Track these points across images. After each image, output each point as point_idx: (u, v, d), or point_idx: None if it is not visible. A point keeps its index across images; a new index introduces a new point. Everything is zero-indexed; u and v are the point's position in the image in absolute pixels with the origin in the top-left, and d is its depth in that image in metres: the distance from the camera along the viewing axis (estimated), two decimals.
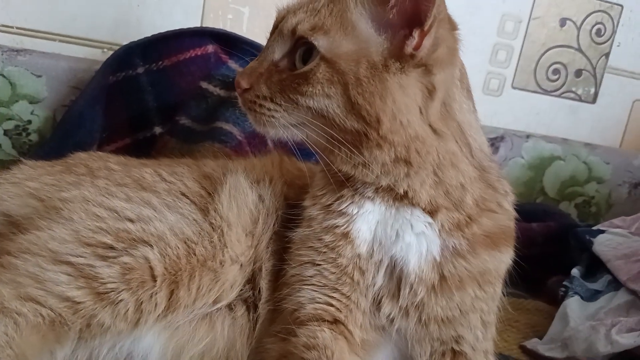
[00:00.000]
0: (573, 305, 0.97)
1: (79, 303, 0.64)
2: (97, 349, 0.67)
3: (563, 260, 1.17)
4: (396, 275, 0.70)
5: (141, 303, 0.66)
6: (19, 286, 0.63)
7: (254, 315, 0.74)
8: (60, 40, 1.32)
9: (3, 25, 1.28)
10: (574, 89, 1.66)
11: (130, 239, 0.69)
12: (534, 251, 1.21)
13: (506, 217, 0.73)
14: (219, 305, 0.72)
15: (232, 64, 1.29)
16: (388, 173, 0.67)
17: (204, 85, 1.24)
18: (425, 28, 0.62)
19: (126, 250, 0.67)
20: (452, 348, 0.71)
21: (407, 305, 0.69)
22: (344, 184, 0.70)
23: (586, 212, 1.62)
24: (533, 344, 0.95)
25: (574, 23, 1.61)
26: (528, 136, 1.56)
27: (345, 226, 0.70)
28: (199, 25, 1.38)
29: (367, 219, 0.70)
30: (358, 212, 0.70)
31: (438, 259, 0.69)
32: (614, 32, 1.64)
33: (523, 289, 1.15)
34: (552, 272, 1.16)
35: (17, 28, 1.29)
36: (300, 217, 0.74)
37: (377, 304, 0.70)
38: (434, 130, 0.67)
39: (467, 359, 0.72)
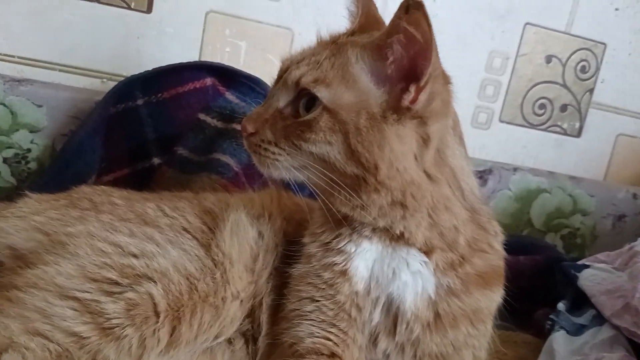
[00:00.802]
0: (559, 339, 0.99)
1: (85, 338, 0.65)
2: None
3: (550, 293, 1.20)
4: (392, 313, 0.72)
5: (145, 339, 0.68)
6: (27, 321, 0.65)
7: (252, 348, 0.76)
8: (60, 70, 1.34)
9: (5, 55, 1.31)
10: (559, 123, 1.71)
11: (134, 275, 0.71)
12: (521, 284, 1.23)
13: (497, 257, 0.77)
14: (219, 340, 0.74)
15: (230, 96, 1.32)
16: (385, 215, 0.70)
17: (202, 117, 1.27)
18: (421, 84, 0.66)
19: (131, 286, 0.69)
20: None
21: (403, 342, 0.72)
22: (342, 223, 0.73)
23: (572, 244, 1.66)
24: None
25: (560, 60, 1.66)
26: (515, 169, 1.60)
27: (343, 264, 0.73)
28: (197, 57, 1.41)
29: (364, 257, 0.73)
30: (356, 250, 0.73)
31: (433, 297, 0.72)
32: (597, 69, 1.69)
33: (511, 321, 1.17)
34: (539, 304, 1.19)
35: (19, 57, 1.32)
36: (299, 253, 0.77)
37: (373, 339, 0.73)
38: (429, 176, 0.70)
39: None
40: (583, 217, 1.65)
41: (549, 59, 1.66)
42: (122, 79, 1.30)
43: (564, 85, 1.68)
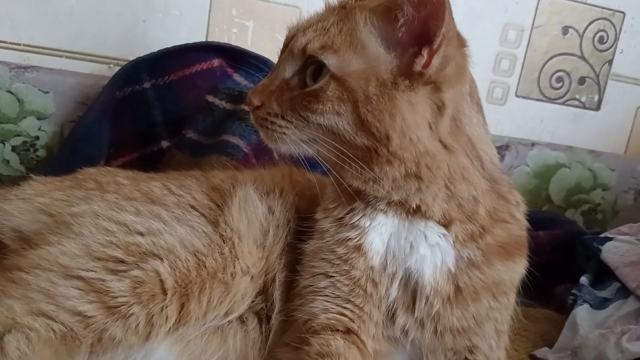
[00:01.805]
0: (582, 313, 0.96)
1: (90, 317, 0.64)
2: None
3: (571, 267, 1.17)
4: (411, 288, 0.70)
5: (152, 316, 0.66)
6: (30, 301, 0.63)
7: (266, 327, 0.74)
8: (67, 57, 1.33)
9: (11, 43, 1.29)
10: (577, 97, 1.66)
11: (140, 253, 0.69)
12: (541, 259, 1.20)
13: (518, 227, 0.74)
14: (230, 318, 0.73)
15: (238, 77, 1.30)
16: (399, 188, 0.67)
17: (210, 98, 1.25)
18: (434, 47, 0.63)
19: (136, 264, 0.68)
20: (466, 357, 0.72)
21: (422, 317, 0.70)
22: (355, 197, 0.70)
23: (592, 220, 1.62)
24: (543, 353, 0.95)
25: (577, 31, 1.61)
26: (533, 144, 1.56)
27: (357, 239, 0.70)
28: (204, 39, 1.39)
29: (379, 232, 0.70)
30: (370, 224, 0.70)
31: (453, 270, 0.69)
32: (616, 39, 1.64)
33: (532, 297, 1.15)
34: (560, 280, 1.16)
35: (25, 45, 1.31)
36: (312, 229, 0.75)
37: (391, 315, 0.70)
38: (444, 145, 0.67)
39: None
40: (604, 192, 1.61)
41: (565, 30, 1.61)
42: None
43: (582, 57, 1.64)
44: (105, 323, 0.64)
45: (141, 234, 0.71)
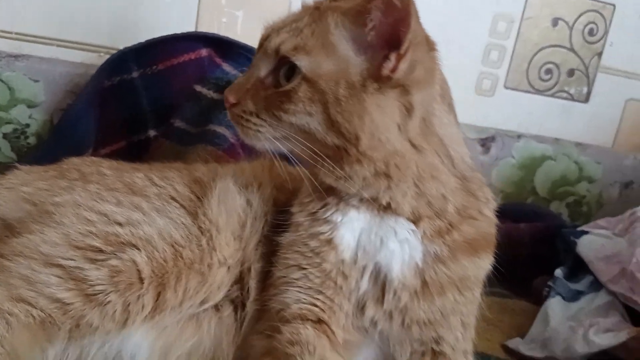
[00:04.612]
0: (554, 305, 0.99)
1: (68, 304, 0.66)
2: (87, 348, 0.69)
3: (551, 260, 1.19)
4: (380, 281, 0.72)
5: (128, 304, 0.69)
6: (11, 288, 0.65)
7: (241, 314, 0.77)
8: (58, 45, 1.34)
9: (2, 31, 1.31)
10: (566, 89, 1.67)
11: (118, 243, 0.71)
12: (521, 251, 1.23)
13: (487, 223, 0.76)
14: (206, 306, 0.75)
15: (227, 67, 1.31)
16: (369, 186, 0.69)
17: (198, 88, 1.26)
18: (401, 52, 0.65)
19: (114, 254, 0.70)
20: (432, 348, 0.74)
21: (391, 309, 0.72)
22: (329, 193, 0.72)
23: (577, 212, 1.64)
24: (515, 343, 0.97)
25: (566, 23, 1.62)
26: (519, 136, 1.58)
27: (329, 233, 0.72)
28: (193, 28, 1.40)
29: (351, 227, 0.72)
30: (342, 219, 0.72)
31: (420, 265, 0.71)
32: (606, 31, 1.65)
33: (510, 288, 1.18)
34: (539, 272, 1.18)
35: (16, 33, 1.32)
36: (288, 222, 0.77)
37: (361, 307, 0.73)
38: (414, 145, 0.69)
39: (446, 359, 0.74)
40: (589, 184, 1.63)
41: (555, 22, 1.62)
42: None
43: (571, 49, 1.65)
44: (83, 310, 0.67)
45: (120, 224, 0.73)
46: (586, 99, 1.69)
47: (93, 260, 0.69)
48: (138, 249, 0.71)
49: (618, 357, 0.88)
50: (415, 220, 0.71)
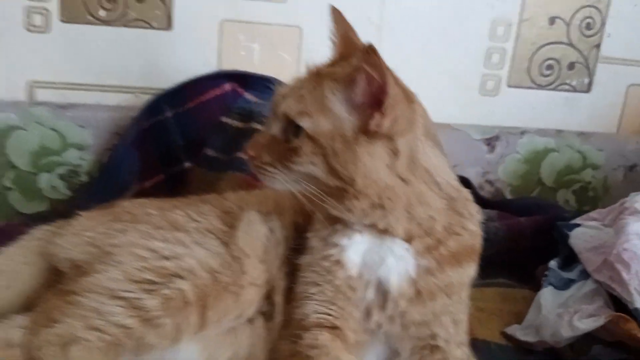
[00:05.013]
0: (546, 294, 1.10)
1: (131, 329, 0.82)
2: None
3: (551, 250, 1.29)
4: (382, 291, 0.86)
5: (179, 324, 0.84)
6: (85, 319, 0.82)
7: (270, 324, 0.92)
8: (97, 90, 1.52)
9: (48, 82, 1.49)
10: (568, 81, 1.76)
11: (167, 274, 0.87)
12: (523, 243, 1.35)
13: (470, 237, 0.88)
14: (241, 320, 0.91)
15: (248, 96, 1.47)
16: (367, 216, 0.83)
17: (224, 119, 1.43)
18: (383, 112, 0.78)
19: (165, 284, 0.86)
20: (429, 343, 0.88)
21: (392, 314, 0.86)
22: (336, 221, 0.87)
23: (584, 198, 1.73)
24: (512, 329, 1.09)
25: (563, 20, 1.71)
26: (522, 132, 1.68)
27: (338, 255, 0.87)
28: (216, 63, 1.56)
29: (356, 248, 0.86)
30: (348, 243, 0.86)
31: (414, 276, 0.85)
32: (603, 24, 1.73)
33: (513, 278, 1.30)
34: (540, 261, 1.28)
35: (60, 83, 1.50)
36: (305, 245, 0.92)
37: (367, 313, 0.87)
38: (402, 179, 0.82)
39: (441, 351, 0.88)
40: (594, 171, 1.71)
41: (552, 21, 1.70)
42: (152, 90, 1.48)
43: (570, 44, 1.73)
44: (143, 332, 0.83)
45: (167, 258, 0.89)
46: (588, 89, 1.77)
47: (148, 291, 0.85)
48: (183, 278, 0.87)
49: (602, 339, 1.00)
50: (409, 240, 0.85)
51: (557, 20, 1.71)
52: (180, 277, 0.87)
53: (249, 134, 1.39)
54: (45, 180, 1.44)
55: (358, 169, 0.80)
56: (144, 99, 1.53)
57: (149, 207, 1.01)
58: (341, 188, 0.82)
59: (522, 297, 1.21)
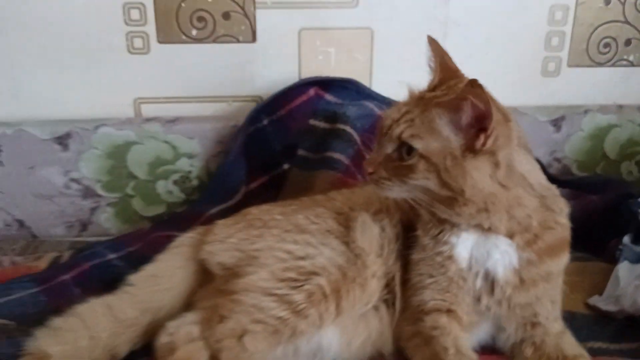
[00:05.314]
0: (623, 268, 1.21)
1: (285, 319, 1.00)
2: (299, 344, 1.03)
3: (620, 224, 1.39)
4: (490, 280, 1.01)
5: (321, 314, 1.02)
6: (249, 314, 1.00)
7: (392, 310, 1.09)
8: (196, 101, 1.70)
9: (155, 98, 1.68)
10: (625, 57, 1.84)
11: (306, 272, 1.04)
12: (594, 219, 1.47)
13: (562, 229, 1.02)
14: (368, 307, 1.08)
15: (329, 97, 1.64)
16: (474, 218, 0.98)
17: (312, 122, 1.59)
18: (488, 133, 0.91)
19: (306, 281, 1.03)
20: (531, 320, 1.04)
21: (500, 298, 1.01)
22: (444, 221, 1.02)
23: None
24: (594, 300, 1.20)
25: (619, 0, 1.79)
26: (586, 111, 1.78)
27: (449, 251, 1.02)
28: (297, 69, 1.71)
29: (465, 245, 1.01)
30: (457, 240, 1.01)
31: (517, 267, 1.00)
32: None
33: (588, 252, 1.40)
34: (612, 235, 1.39)
35: (164, 97, 1.68)
36: (415, 241, 1.07)
37: (477, 298, 1.03)
38: (502, 186, 0.95)
39: (542, 326, 1.04)
40: None
41: (607, 1, 1.78)
42: (243, 98, 1.69)
43: (626, 22, 1.80)
44: (295, 322, 1.00)
45: (303, 258, 1.06)
46: None
47: (294, 287, 1.02)
48: (319, 275, 1.04)
49: None
50: (510, 236, 0.99)
51: (613, 1, 1.79)
52: (317, 274, 1.04)
53: (335, 134, 1.56)
54: (162, 187, 1.65)
55: (466, 181, 0.94)
56: (236, 106, 1.72)
57: (274, 213, 1.18)
58: (451, 197, 0.96)
59: (600, 269, 1.32)
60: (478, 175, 0.94)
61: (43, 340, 0.97)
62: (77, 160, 1.60)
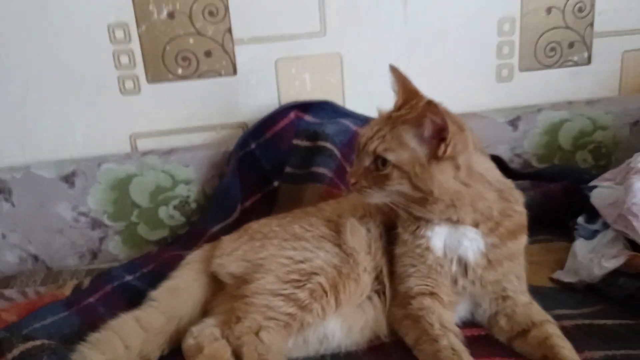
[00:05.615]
0: (579, 244, 1.37)
1: (293, 314, 1.15)
2: (307, 334, 1.18)
3: (579, 207, 1.56)
4: (462, 264, 1.17)
5: (323, 307, 1.17)
6: (262, 313, 1.15)
7: (383, 298, 1.25)
8: (185, 132, 1.86)
9: (150, 131, 1.83)
10: (570, 58, 2.02)
11: (307, 274, 1.19)
12: (555, 204, 1.65)
13: (519, 216, 1.19)
14: (363, 298, 1.23)
15: (308, 118, 1.81)
16: (443, 213, 1.14)
17: (295, 141, 1.75)
18: (446, 143, 1.08)
19: (307, 281, 1.18)
20: (502, 294, 1.20)
21: (472, 279, 1.18)
22: (419, 219, 1.19)
23: (599, 155, 1.97)
24: (557, 274, 1.34)
25: (558, 9, 1.99)
26: (539, 110, 1.96)
27: (426, 243, 1.18)
28: (276, 95, 1.87)
29: (439, 237, 1.17)
30: (432, 233, 1.18)
31: (484, 251, 1.16)
32: (592, 5, 1.99)
33: (552, 233, 1.56)
34: (571, 217, 1.55)
35: (157, 131, 1.84)
36: (396, 238, 1.23)
37: (454, 280, 1.19)
38: (465, 184, 1.12)
39: (511, 298, 1.20)
40: (603, 131, 1.94)
41: (549, 11, 1.97)
42: (229, 125, 1.85)
43: (567, 27, 1.99)
44: (302, 316, 1.15)
45: (302, 261, 1.21)
46: (588, 62, 2.02)
47: (298, 287, 1.17)
48: (318, 274, 1.18)
49: (625, 273, 1.24)
50: (476, 225, 1.16)
51: (554, 10, 1.98)
52: (316, 274, 1.20)
53: (317, 151, 1.73)
54: (163, 212, 1.79)
55: (434, 184, 1.11)
56: (224, 133, 1.88)
57: (272, 225, 1.34)
58: (423, 198, 1.12)
59: (561, 248, 1.45)
60: (443, 178, 1.11)
61: (87, 352, 1.11)
62: (84, 195, 1.75)
